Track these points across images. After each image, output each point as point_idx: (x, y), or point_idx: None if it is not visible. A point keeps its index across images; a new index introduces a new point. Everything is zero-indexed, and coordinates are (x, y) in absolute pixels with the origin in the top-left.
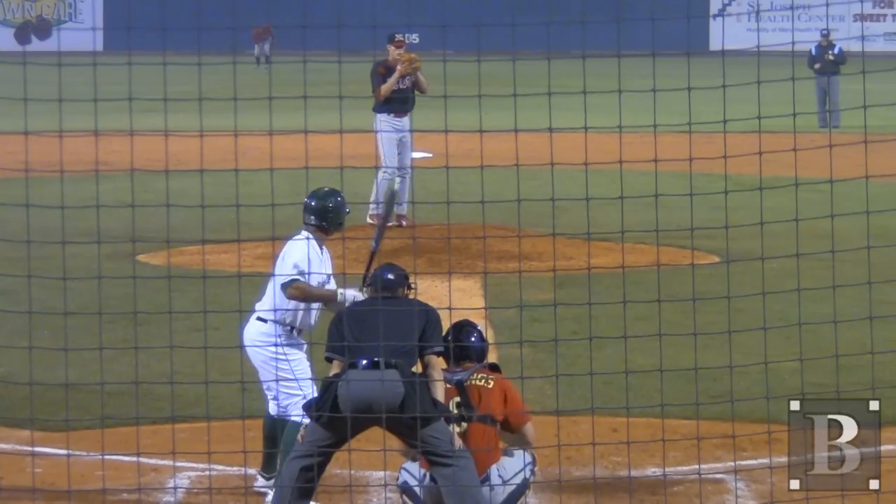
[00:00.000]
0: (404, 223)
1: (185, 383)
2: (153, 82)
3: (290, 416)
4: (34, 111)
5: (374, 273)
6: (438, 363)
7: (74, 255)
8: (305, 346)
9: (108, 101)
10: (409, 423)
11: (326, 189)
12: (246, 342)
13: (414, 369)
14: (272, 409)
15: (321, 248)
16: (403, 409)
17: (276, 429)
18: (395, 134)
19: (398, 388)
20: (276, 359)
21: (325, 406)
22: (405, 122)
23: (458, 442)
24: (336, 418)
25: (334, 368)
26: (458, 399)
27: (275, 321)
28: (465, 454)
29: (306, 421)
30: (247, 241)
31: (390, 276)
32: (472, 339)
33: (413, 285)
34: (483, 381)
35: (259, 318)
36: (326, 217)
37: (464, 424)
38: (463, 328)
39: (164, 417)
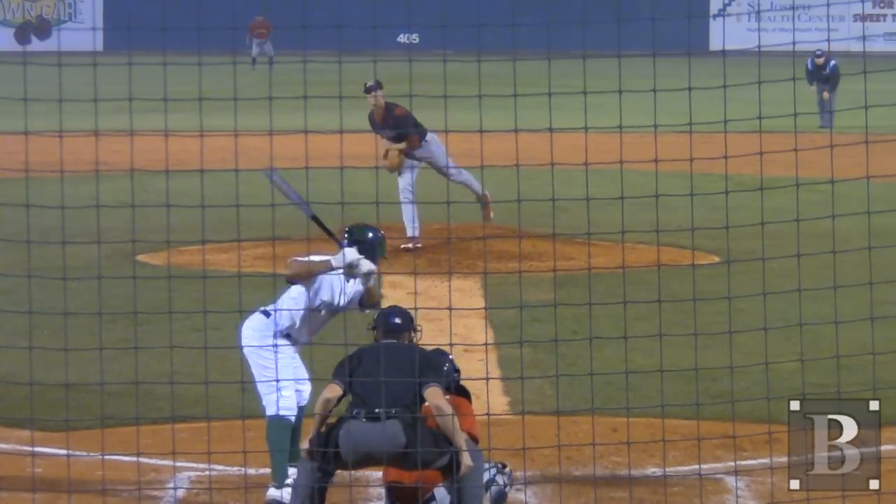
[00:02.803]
0: (411, 245)
1: (185, 383)
2: (153, 82)
3: (266, 413)
4: (34, 111)
5: (380, 316)
6: (438, 393)
7: (74, 255)
8: (296, 347)
9: (108, 101)
10: (413, 466)
11: (366, 225)
12: (241, 333)
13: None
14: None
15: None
16: (407, 457)
17: (294, 430)
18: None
19: (399, 439)
20: (262, 347)
21: (326, 453)
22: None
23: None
24: (337, 460)
25: (331, 391)
26: None
27: (275, 321)
28: (475, 453)
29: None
30: (247, 241)
31: (397, 321)
32: (444, 367)
33: (419, 328)
34: None
35: (262, 311)
36: (365, 249)
37: None
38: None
39: (164, 417)
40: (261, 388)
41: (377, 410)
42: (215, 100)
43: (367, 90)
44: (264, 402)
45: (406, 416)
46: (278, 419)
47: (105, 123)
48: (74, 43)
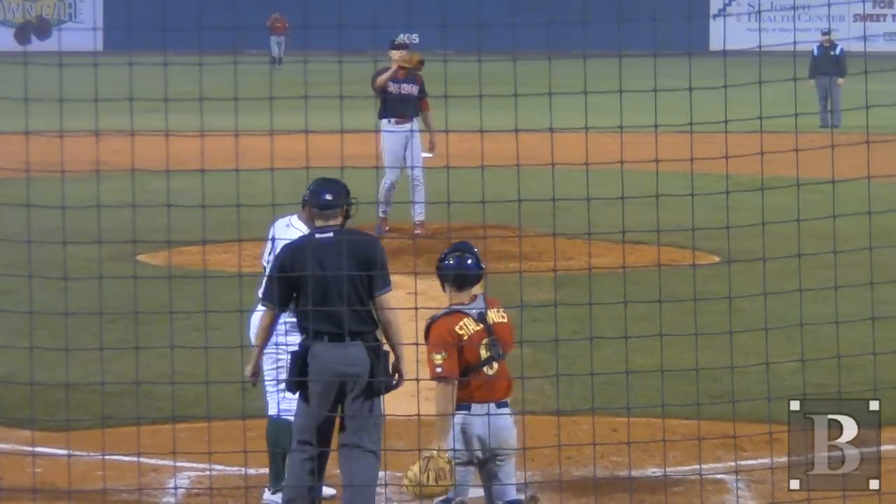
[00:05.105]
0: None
1: (185, 383)
2: (153, 82)
3: (268, 411)
4: (34, 111)
5: (312, 190)
6: (391, 300)
7: (74, 255)
8: None
9: (108, 101)
10: (370, 394)
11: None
12: (251, 328)
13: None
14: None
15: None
16: (370, 384)
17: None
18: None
19: (366, 361)
20: (276, 345)
21: (303, 385)
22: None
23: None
24: (310, 392)
25: (268, 317)
26: (486, 340)
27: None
28: (379, 452)
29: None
30: (247, 241)
31: (328, 198)
32: (469, 262)
33: (355, 200)
34: (500, 316)
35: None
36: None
37: (495, 365)
38: (463, 254)
39: (165, 417)
40: (266, 386)
41: (340, 333)
42: (215, 100)
43: (402, 46)
44: (267, 400)
45: (369, 339)
46: (277, 419)
47: (105, 123)
48: (74, 43)
